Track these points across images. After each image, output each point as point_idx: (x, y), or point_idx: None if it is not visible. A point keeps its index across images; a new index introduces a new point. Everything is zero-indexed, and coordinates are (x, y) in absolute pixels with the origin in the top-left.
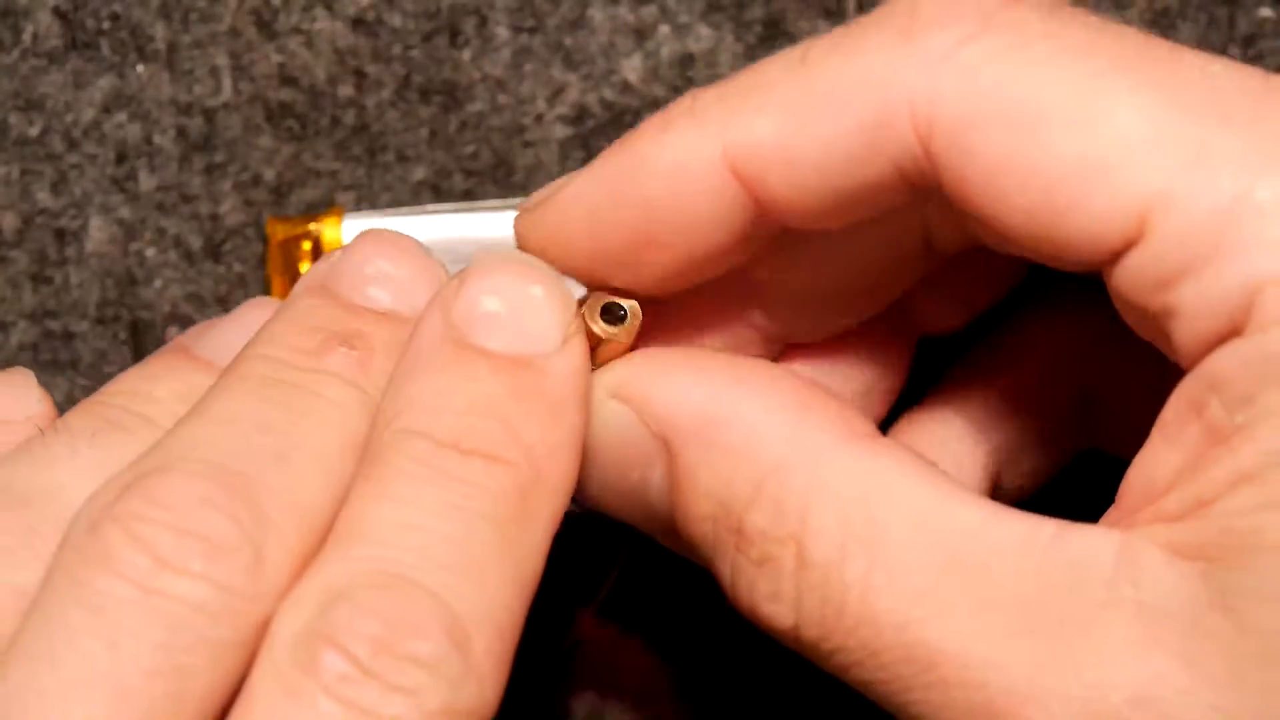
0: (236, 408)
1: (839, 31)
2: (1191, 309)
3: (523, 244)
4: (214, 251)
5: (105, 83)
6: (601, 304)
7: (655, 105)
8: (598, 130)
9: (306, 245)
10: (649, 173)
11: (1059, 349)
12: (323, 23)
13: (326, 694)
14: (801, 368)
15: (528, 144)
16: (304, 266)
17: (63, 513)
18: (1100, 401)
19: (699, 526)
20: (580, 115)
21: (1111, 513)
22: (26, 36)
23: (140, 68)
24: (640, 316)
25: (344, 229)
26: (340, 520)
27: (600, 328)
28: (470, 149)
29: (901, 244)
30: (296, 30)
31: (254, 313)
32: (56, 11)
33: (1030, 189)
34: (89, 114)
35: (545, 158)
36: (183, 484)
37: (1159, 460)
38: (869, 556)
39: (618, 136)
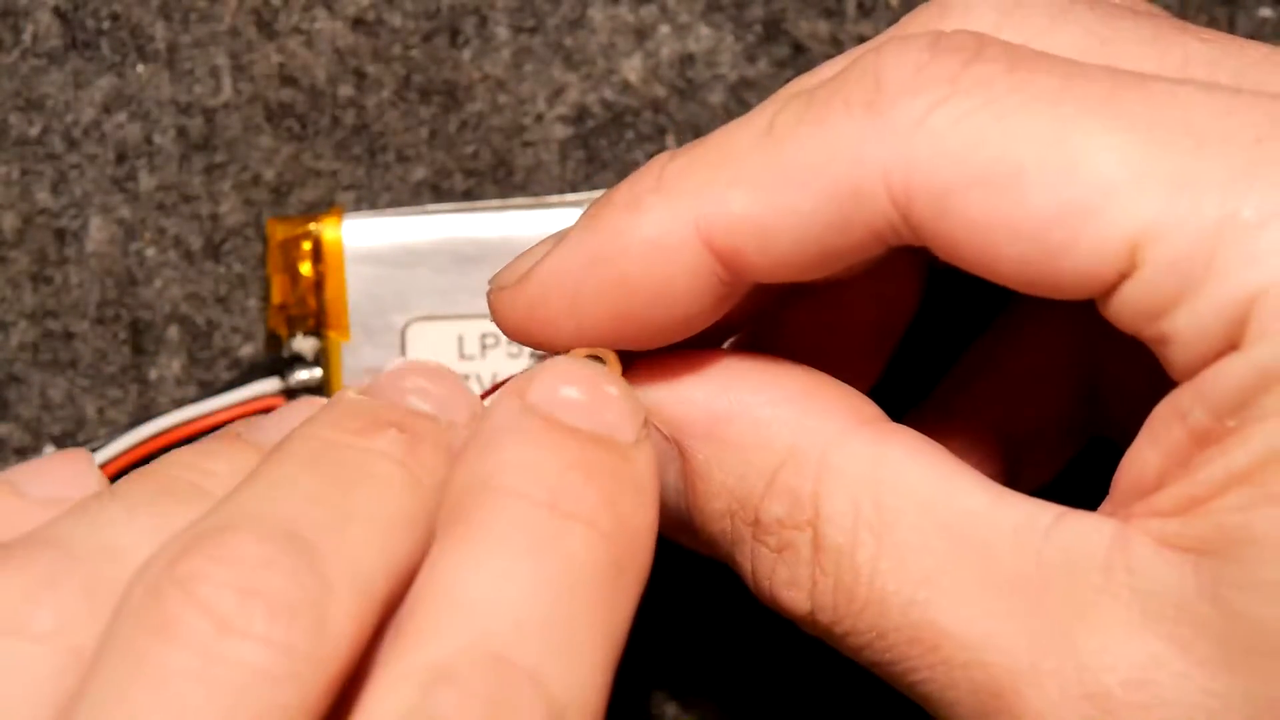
0: (291, 477)
1: (803, 100)
2: (1186, 334)
3: (501, 321)
4: (214, 251)
5: (105, 83)
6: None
7: (655, 105)
8: (598, 130)
9: (306, 245)
10: (623, 254)
11: (1066, 337)
12: (323, 23)
13: None
14: (812, 303)
15: (528, 144)
16: (304, 266)
17: (121, 574)
18: (1107, 390)
19: (716, 523)
20: (580, 115)
21: (1106, 504)
22: (26, 36)
23: (140, 68)
24: (619, 366)
25: (344, 229)
26: (430, 584)
27: None
28: (470, 149)
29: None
30: (296, 30)
31: (306, 409)
32: (56, 11)
33: (1017, 242)
34: (89, 114)
35: (545, 158)
36: (244, 544)
37: (1143, 459)
38: (877, 541)
39: (618, 136)
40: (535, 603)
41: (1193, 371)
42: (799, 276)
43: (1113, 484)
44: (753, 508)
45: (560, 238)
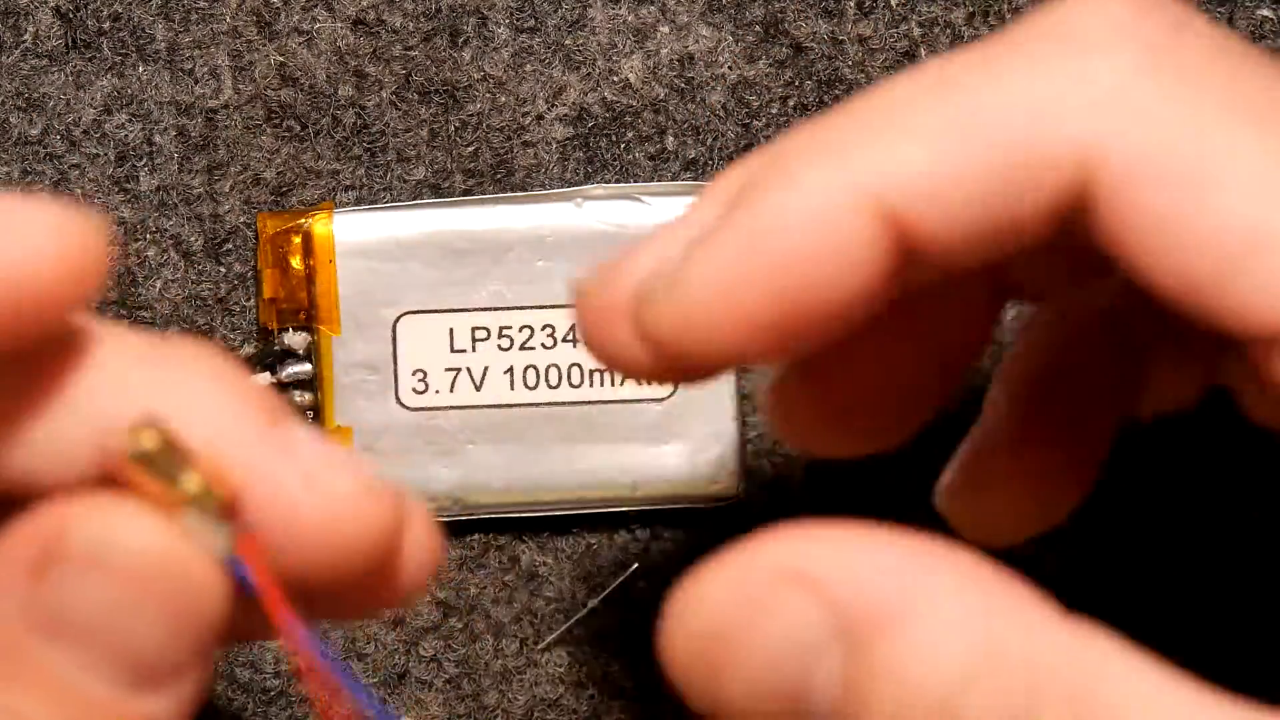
0: None
1: (980, 47)
2: None
3: (653, 333)
4: (214, 251)
5: (105, 83)
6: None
7: (655, 105)
8: (598, 130)
9: (297, 240)
10: (786, 228)
11: (1098, 335)
12: (323, 23)
13: None
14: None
15: (528, 144)
16: (294, 260)
17: None
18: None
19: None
20: (580, 115)
21: None
22: (27, 36)
23: (140, 68)
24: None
25: (335, 223)
26: None
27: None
28: (470, 149)
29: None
30: (296, 30)
31: None
32: (57, 11)
33: (1198, 251)
34: (89, 114)
35: (545, 158)
36: None
37: None
38: None
39: (618, 136)
40: None
41: None
42: (961, 258)
43: None
44: (951, 707)
45: (690, 234)
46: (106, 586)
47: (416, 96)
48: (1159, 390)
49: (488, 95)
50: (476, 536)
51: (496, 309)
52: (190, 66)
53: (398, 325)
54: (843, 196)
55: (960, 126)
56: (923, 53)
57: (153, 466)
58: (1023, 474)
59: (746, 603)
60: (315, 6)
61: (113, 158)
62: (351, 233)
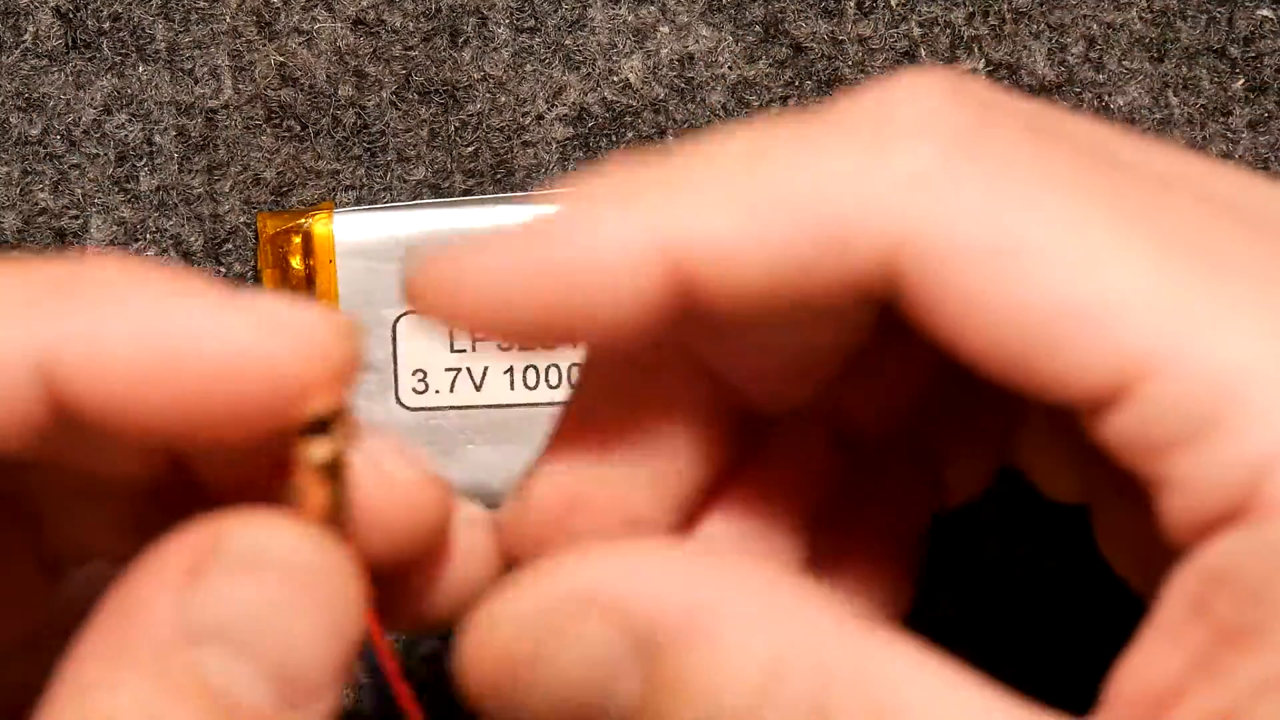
0: None
1: (798, 124)
2: (1186, 485)
3: (417, 297)
4: (214, 251)
5: (105, 83)
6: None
7: (655, 105)
8: (598, 130)
9: (296, 239)
10: (573, 257)
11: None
12: (323, 23)
13: None
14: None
15: (528, 144)
16: (294, 260)
17: None
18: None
19: None
20: (580, 115)
21: (1105, 714)
22: (27, 36)
23: (140, 68)
24: (354, 423)
25: (335, 223)
26: None
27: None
28: (470, 149)
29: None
30: (296, 30)
31: None
32: (57, 11)
33: (1007, 329)
34: (89, 114)
35: (545, 158)
36: None
37: (1160, 661)
38: None
39: (618, 137)
40: None
41: (1190, 535)
42: (755, 320)
43: (1111, 691)
44: (743, 711)
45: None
46: (261, 593)
47: (416, 96)
48: (954, 482)
49: (488, 95)
50: None
51: None
52: (190, 66)
53: (398, 325)
54: (632, 244)
55: (761, 199)
56: (923, 53)
57: (324, 472)
58: (847, 590)
59: (543, 626)
60: (315, 6)
61: (113, 158)
62: (351, 233)
